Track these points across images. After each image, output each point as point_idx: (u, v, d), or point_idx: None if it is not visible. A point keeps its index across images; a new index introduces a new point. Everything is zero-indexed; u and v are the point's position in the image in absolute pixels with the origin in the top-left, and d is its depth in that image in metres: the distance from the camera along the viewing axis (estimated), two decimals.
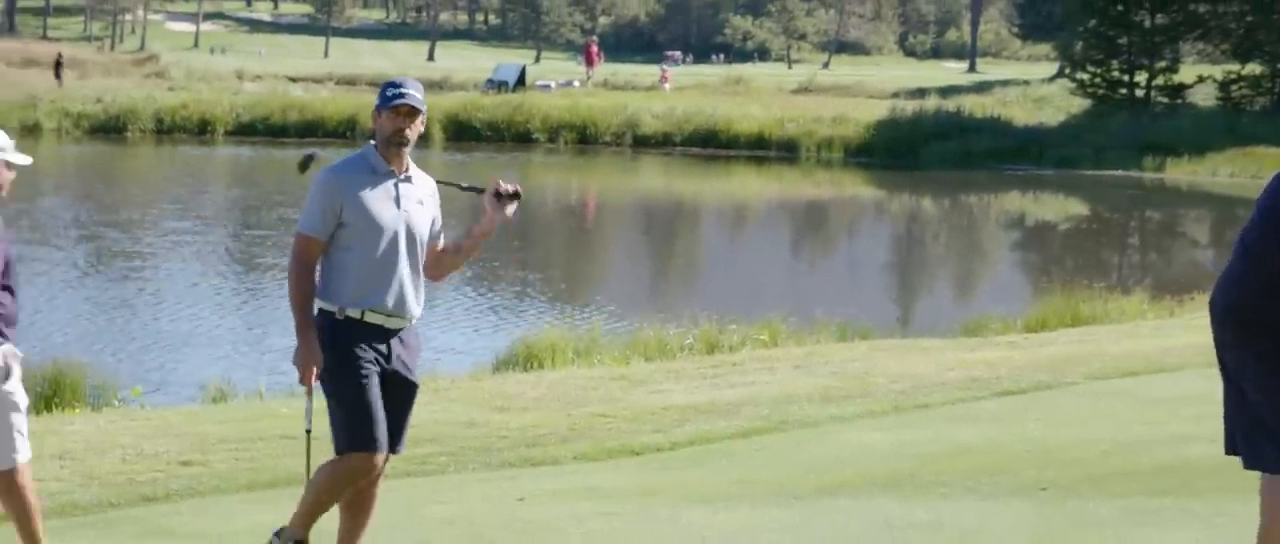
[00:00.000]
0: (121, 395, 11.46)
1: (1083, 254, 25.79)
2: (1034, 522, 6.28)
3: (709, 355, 13.19)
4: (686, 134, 43.39)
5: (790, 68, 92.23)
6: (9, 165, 5.71)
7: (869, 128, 42.53)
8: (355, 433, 5.23)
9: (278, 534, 5.52)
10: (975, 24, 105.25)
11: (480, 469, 8.23)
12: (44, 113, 41.83)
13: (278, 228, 24.84)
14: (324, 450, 8.70)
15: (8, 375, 5.60)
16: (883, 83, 66.10)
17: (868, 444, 8.56)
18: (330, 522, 5.57)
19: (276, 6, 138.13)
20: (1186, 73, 48.35)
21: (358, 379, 5.23)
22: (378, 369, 5.29)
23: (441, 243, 5.54)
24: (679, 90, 55.53)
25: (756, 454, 8.46)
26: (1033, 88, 59.55)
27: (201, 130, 42.45)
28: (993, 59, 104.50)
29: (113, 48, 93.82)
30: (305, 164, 6.21)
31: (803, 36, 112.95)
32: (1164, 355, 11.70)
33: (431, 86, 42.47)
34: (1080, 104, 48.33)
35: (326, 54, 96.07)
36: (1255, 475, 4.45)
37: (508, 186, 5.49)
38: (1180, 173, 37.50)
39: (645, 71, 68.85)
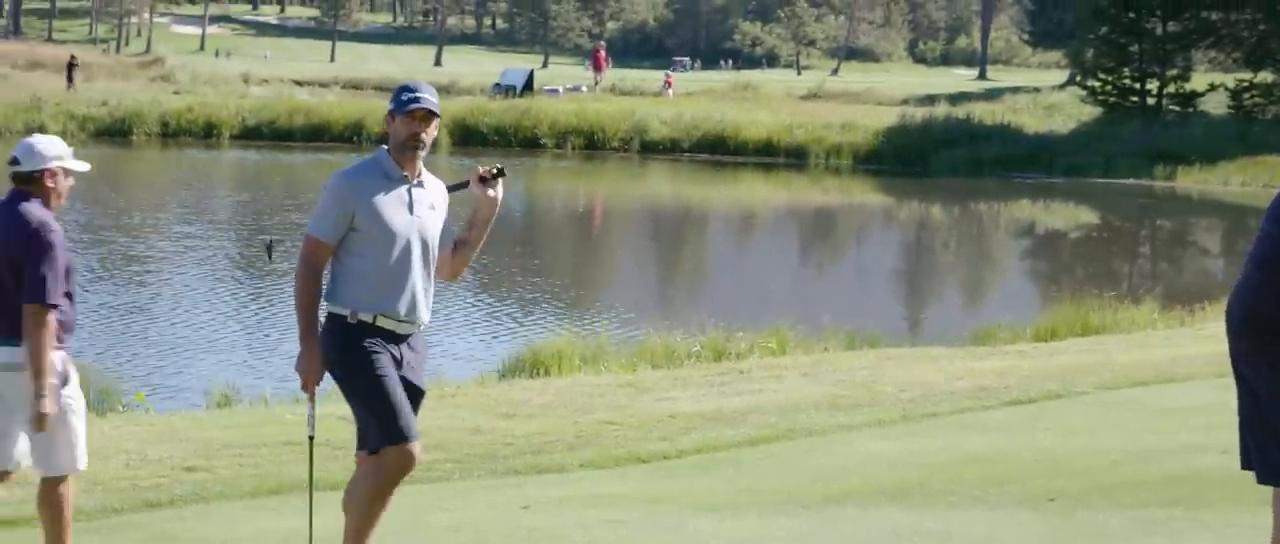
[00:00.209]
0: (126, 400, 11.43)
1: (1093, 263, 25.72)
2: (1043, 532, 6.25)
3: (716, 363, 13.15)
4: (694, 140, 43.34)
5: (799, 74, 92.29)
6: (67, 172, 5.72)
7: (878, 135, 42.47)
8: (387, 428, 5.19)
9: None
10: (986, 31, 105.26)
11: (486, 476, 8.20)
12: (49, 115, 41.83)
13: (284, 232, 24.84)
14: (327, 455, 8.67)
15: (66, 380, 5.64)
16: (892, 89, 66.08)
17: (876, 453, 8.53)
18: (335, 523, 5.53)
19: (283, 10, 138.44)
20: (1198, 81, 48.22)
21: (377, 375, 5.20)
22: (394, 364, 5.26)
23: (450, 244, 5.55)
24: (687, 96, 55.50)
25: (764, 462, 8.42)
26: (1043, 95, 59.52)
27: (207, 134, 42.46)
28: (1003, 66, 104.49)
29: (118, 51, 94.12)
30: (270, 251, 6.31)
31: (812, 42, 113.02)
32: (1174, 365, 11.65)
33: (438, 91, 42.38)
34: (1091, 112, 48.23)
35: (333, 58, 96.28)
36: (1267, 486, 4.41)
37: (489, 169, 5.52)
38: (1191, 181, 37.41)
39: (653, 77, 68.84)
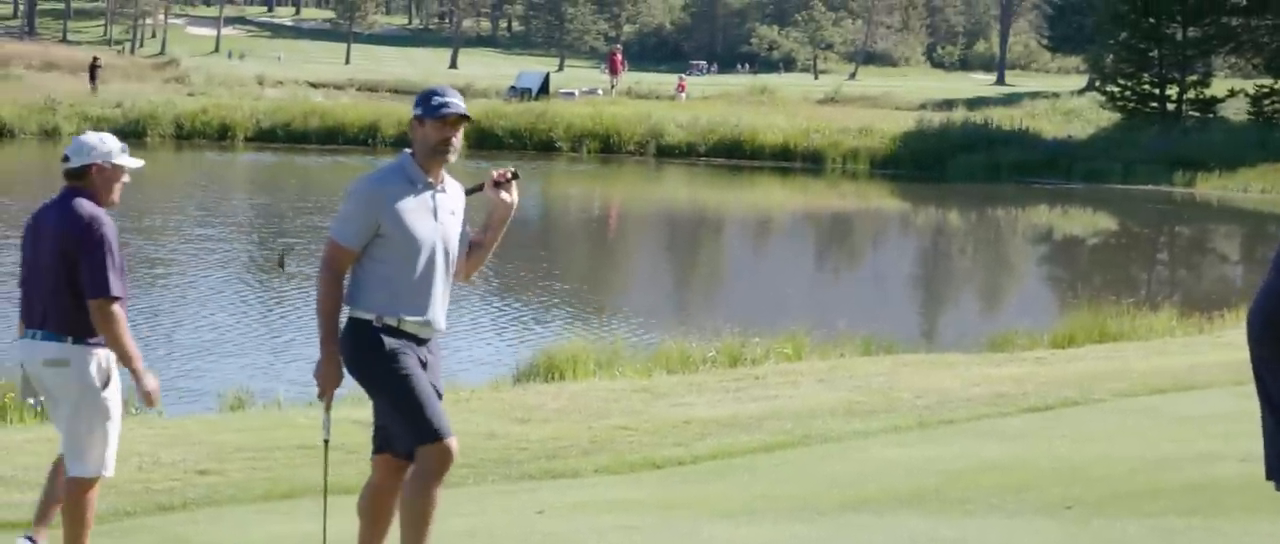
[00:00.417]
0: (138, 403, 11.42)
1: (1111, 269, 25.63)
2: (1060, 540, 6.22)
3: (732, 368, 13.12)
4: (711, 144, 43.33)
5: (816, 78, 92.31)
6: (117, 168, 5.74)
7: (895, 139, 42.41)
8: (422, 427, 5.17)
9: None
10: (1004, 36, 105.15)
11: (500, 481, 8.19)
12: (63, 116, 41.97)
13: (300, 235, 24.87)
14: (340, 460, 8.64)
15: (107, 381, 5.67)
16: (910, 94, 66.04)
17: (892, 460, 8.49)
18: (349, 527, 5.51)
19: (298, 11, 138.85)
20: (1218, 86, 48.07)
21: (405, 374, 5.18)
22: (420, 363, 5.25)
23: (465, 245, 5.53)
24: (703, 99, 55.49)
25: (779, 469, 8.39)
26: (1062, 100, 59.37)
27: (221, 136, 42.55)
28: (1021, 71, 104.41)
29: (133, 52, 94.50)
30: (283, 262, 6.29)
31: (829, 47, 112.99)
32: (1192, 373, 11.60)
33: None
34: (1110, 117, 48.10)
35: (348, 60, 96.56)
36: None
37: (504, 172, 5.49)
38: (1211, 188, 37.27)
39: (669, 80, 68.92)
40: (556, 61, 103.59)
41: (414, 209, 5.24)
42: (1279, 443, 4.35)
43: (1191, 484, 7.21)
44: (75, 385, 5.61)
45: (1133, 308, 16.75)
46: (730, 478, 8.17)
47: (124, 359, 5.58)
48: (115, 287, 5.53)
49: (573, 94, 56.73)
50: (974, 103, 58.58)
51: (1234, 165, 37.98)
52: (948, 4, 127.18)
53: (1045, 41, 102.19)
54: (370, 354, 5.19)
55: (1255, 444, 4.52)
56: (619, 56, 65.86)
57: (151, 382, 5.64)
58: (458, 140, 5.30)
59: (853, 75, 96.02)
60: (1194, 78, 47.24)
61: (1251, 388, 4.47)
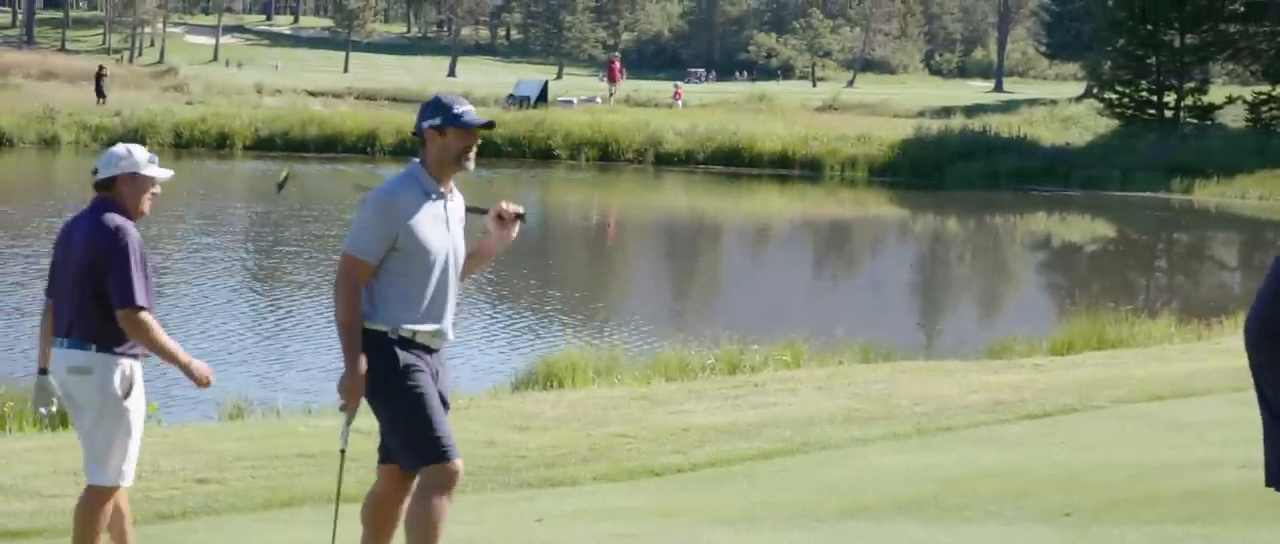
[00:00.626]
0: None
1: (1109, 276, 25.64)
2: None
3: (731, 376, 13.13)
4: (709, 152, 43.37)
5: (815, 86, 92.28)
6: (143, 179, 5.80)
7: (894, 147, 42.46)
8: (431, 446, 5.16)
9: None
10: (1002, 43, 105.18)
11: (499, 489, 8.19)
12: (62, 125, 42.00)
13: (299, 244, 24.89)
14: (353, 470, 8.64)
15: (129, 391, 5.72)
16: (908, 101, 66.07)
17: (890, 467, 8.50)
18: (354, 534, 5.51)
19: (296, 20, 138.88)
20: (1216, 93, 48.14)
21: (420, 392, 5.16)
22: (432, 379, 5.23)
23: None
24: (702, 107, 55.54)
25: (778, 476, 8.40)
26: (1060, 107, 59.44)
27: (220, 144, 42.58)
28: (1019, 78, 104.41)
29: (132, 61, 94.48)
30: (282, 184, 6.25)
31: (827, 54, 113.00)
32: (1191, 380, 11.60)
33: None
34: (1108, 124, 48.16)
35: (346, 68, 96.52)
36: None
37: (511, 208, 5.48)
38: (1209, 194, 37.31)
39: (668, 88, 68.92)
40: (555, 70, 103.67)
41: (428, 221, 5.21)
42: (1279, 449, 4.37)
43: (1190, 491, 7.21)
44: (97, 394, 5.68)
45: (1131, 315, 16.77)
46: (729, 485, 8.17)
47: (168, 359, 5.68)
48: (140, 296, 5.60)
49: (571, 102, 56.77)
50: (972, 110, 58.62)
51: (1232, 172, 38.04)
52: (945, 11, 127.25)
53: (1043, 49, 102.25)
54: (387, 369, 5.14)
55: (1254, 451, 4.53)
56: (617, 64, 65.92)
57: (201, 367, 5.76)
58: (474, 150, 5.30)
59: (851, 83, 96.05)
60: (1192, 84, 47.32)
61: (1251, 395, 4.49)
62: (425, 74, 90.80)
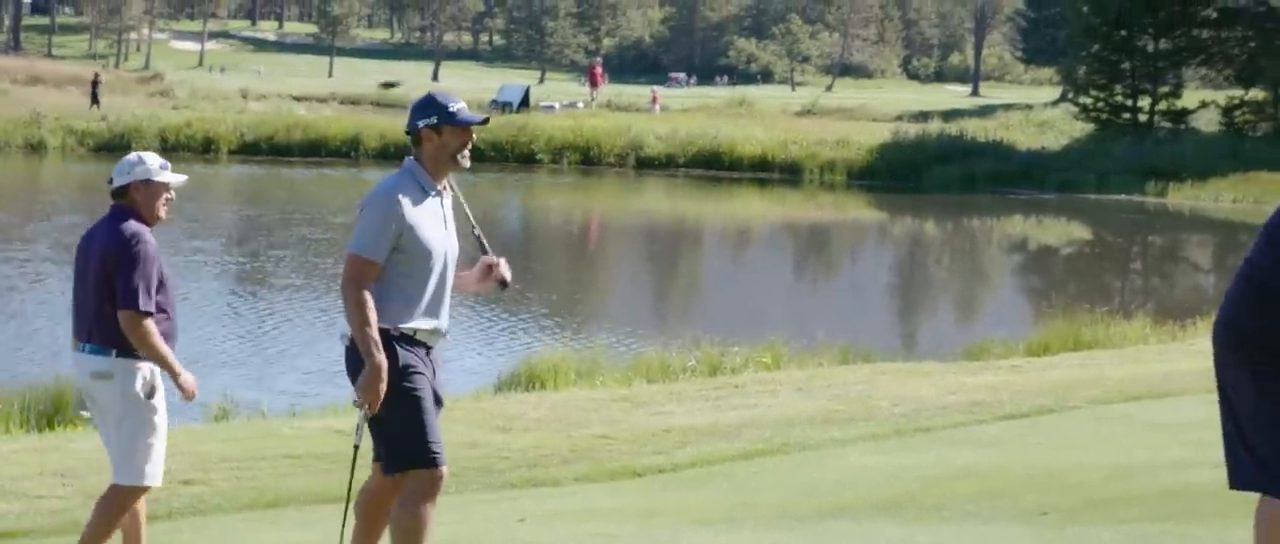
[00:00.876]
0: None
1: (1085, 278, 25.78)
2: None
3: (711, 377, 13.17)
4: (690, 156, 43.45)
5: (794, 90, 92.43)
6: (157, 185, 5.91)
7: (872, 151, 42.58)
8: (422, 451, 5.16)
9: None
10: (979, 48, 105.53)
11: (482, 490, 8.23)
12: (49, 130, 41.92)
13: (284, 248, 24.90)
14: (325, 471, 8.69)
15: (152, 392, 5.82)
16: (886, 106, 66.20)
17: (869, 467, 8.55)
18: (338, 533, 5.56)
19: (281, 26, 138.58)
20: (1189, 98, 48.42)
21: (418, 396, 5.17)
22: (427, 380, 5.24)
23: None
24: (682, 112, 55.60)
25: (758, 476, 8.45)
26: (1036, 112, 59.64)
27: (206, 149, 42.52)
28: (996, 83, 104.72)
29: (117, 66, 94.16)
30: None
31: (806, 59, 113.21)
32: (1166, 380, 11.69)
33: None
34: (1083, 128, 48.38)
35: (331, 73, 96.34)
36: (1238, 491, 4.47)
37: (502, 275, 5.54)
38: (1183, 198, 37.51)
39: (649, 93, 68.92)
40: (537, 75, 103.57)
41: (428, 219, 5.24)
42: (1237, 452, 4.45)
43: (1166, 490, 7.26)
44: (119, 398, 5.78)
45: (1107, 316, 16.88)
46: (710, 486, 8.21)
47: (161, 365, 5.76)
48: (143, 302, 5.69)
49: (553, 107, 56.77)
50: (949, 114, 58.76)
51: (1205, 175, 38.26)
52: (923, 17, 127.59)
53: (1019, 54, 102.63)
54: (389, 369, 5.11)
55: None
56: (599, 69, 65.89)
57: (188, 379, 5.84)
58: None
59: (830, 87, 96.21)
60: (1166, 89, 47.60)
61: None
62: (409, 79, 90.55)
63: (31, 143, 41.50)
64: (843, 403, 11.05)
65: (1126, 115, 47.23)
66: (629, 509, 7.53)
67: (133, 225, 5.80)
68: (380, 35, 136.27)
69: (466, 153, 5.33)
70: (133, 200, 5.87)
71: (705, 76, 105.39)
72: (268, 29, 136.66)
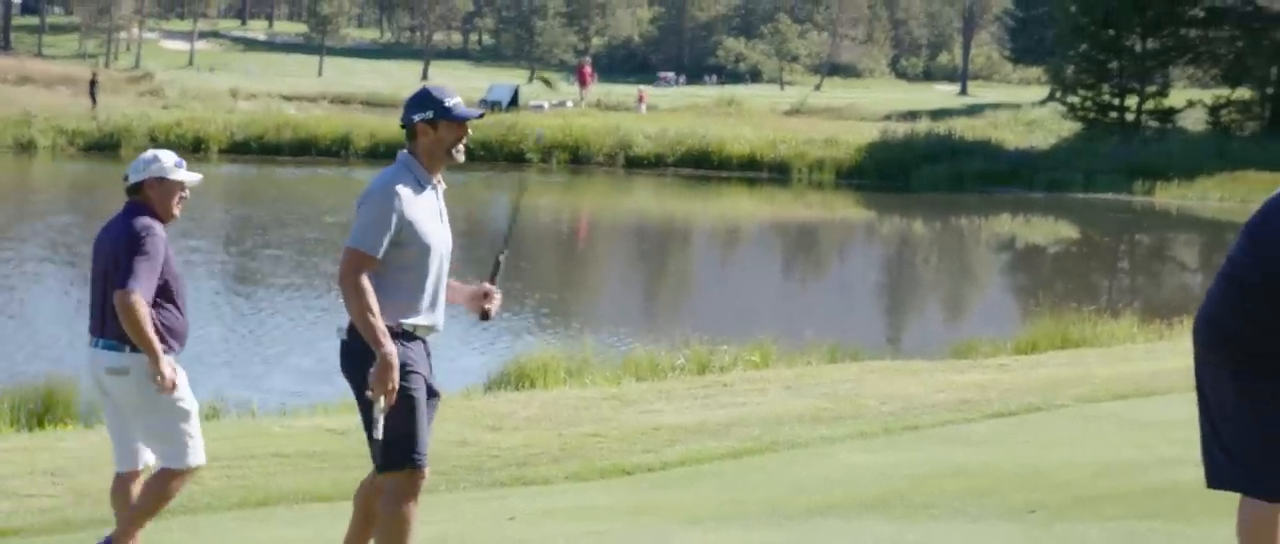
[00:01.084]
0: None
1: (1073, 277, 25.84)
2: None
3: (700, 376, 13.19)
4: (679, 155, 43.49)
5: (783, 90, 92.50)
6: (170, 182, 5.97)
7: (860, 150, 42.64)
8: (409, 451, 5.16)
9: None
10: (967, 47, 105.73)
11: (472, 488, 8.24)
12: (39, 130, 41.87)
13: (276, 246, 24.88)
14: (314, 469, 8.69)
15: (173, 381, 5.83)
16: (874, 105, 66.30)
17: (858, 465, 8.57)
18: (337, 531, 5.58)
19: (271, 25, 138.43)
20: (1176, 97, 48.56)
21: (413, 396, 5.16)
22: (422, 377, 5.23)
23: None
24: (671, 111, 55.64)
25: (747, 475, 8.47)
26: (1024, 111, 59.77)
27: (196, 148, 42.45)
28: (984, 82, 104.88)
29: (107, 66, 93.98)
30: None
31: (795, 59, 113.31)
32: (1154, 379, 11.71)
33: None
34: (1071, 127, 48.49)
35: (321, 73, 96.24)
36: (1215, 490, 4.51)
37: (492, 308, 5.60)
38: (1170, 197, 37.61)
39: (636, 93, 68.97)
40: (527, 74, 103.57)
41: (425, 214, 5.23)
42: (1213, 451, 4.49)
43: (1153, 488, 7.28)
44: (136, 394, 5.83)
45: (1094, 315, 16.92)
46: (699, 484, 8.22)
47: (144, 348, 5.75)
48: (138, 284, 5.71)
49: (542, 106, 56.78)
50: (938, 114, 58.87)
51: (1192, 174, 38.36)
52: (911, 16, 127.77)
53: (1007, 53, 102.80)
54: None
55: None
56: (588, 69, 65.95)
57: (166, 370, 5.81)
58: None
59: (818, 87, 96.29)
60: (1153, 88, 47.73)
61: None
62: (398, 78, 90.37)
63: (22, 142, 41.46)
64: (831, 401, 11.07)
65: (1114, 114, 47.35)
66: (618, 507, 7.55)
67: (145, 220, 5.87)
68: (370, 35, 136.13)
69: (461, 148, 5.33)
70: (147, 197, 5.94)
71: (694, 76, 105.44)
72: (258, 28, 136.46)
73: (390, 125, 42.28)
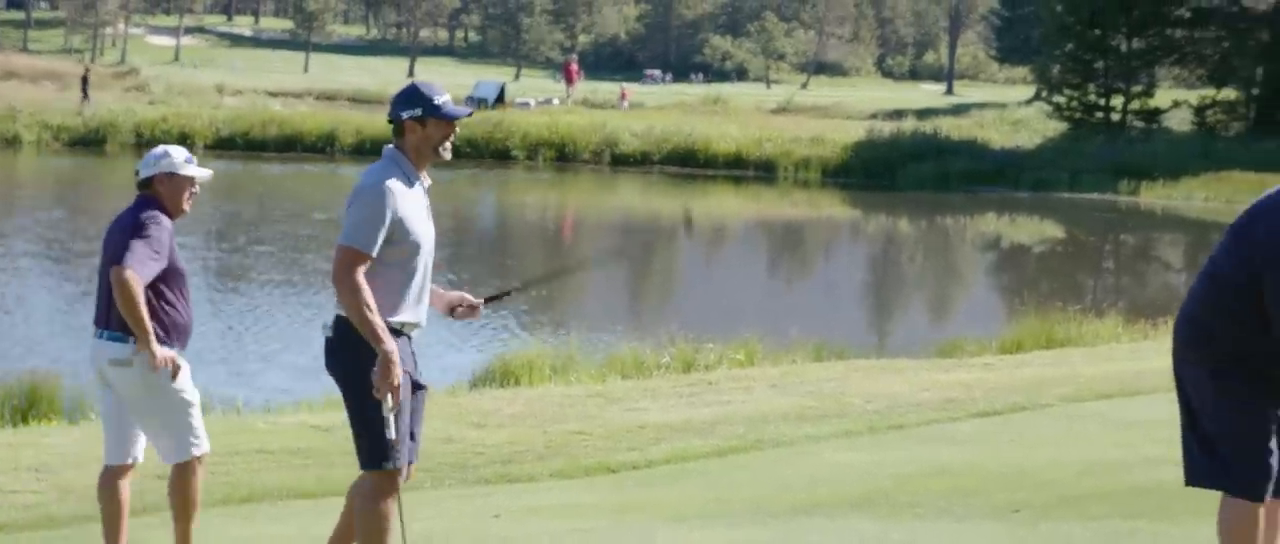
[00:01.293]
0: (97, 408, 11.41)
1: (1058, 277, 25.91)
2: (1008, 543, 6.30)
3: (685, 374, 13.20)
4: (665, 153, 43.49)
5: (769, 88, 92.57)
6: (180, 178, 5.98)
7: (846, 149, 42.69)
8: (388, 451, 5.15)
9: None
10: (953, 46, 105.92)
11: (457, 485, 8.24)
12: (24, 125, 41.73)
13: (262, 243, 24.83)
14: (299, 467, 8.68)
15: (175, 373, 5.86)
16: (860, 104, 66.38)
17: (843, 464, 8.58)
18: (324, 529, 5.57)
19: (257, 21, 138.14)
20: (1162, 97, 48.72)
21: (399, 398, 5.15)
22: (407, 374, 5.20)
23: None
24: (658, 109, 55.64)
25: (732, 473, 8.48)
26: (1009, 110, 59.91)
27: (181, 144, 42.14)
28: (970, 81, 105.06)
29: (93, 61, 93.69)
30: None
31: (781, 57, 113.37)
32: (1138, 378, 11.75)
33: None
34: (1056, 127, 48.61)
35: (306, 69, 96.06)
36: (1193, 487, 4.52)
37: (470, 316, 5.68)
38: (1155, 196, 37.72)
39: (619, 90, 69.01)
40: (513, 71, 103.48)
41: (415, 210, 5.19)
42: (1192, 449, 4.50)
43: (1137, 488, 7.30)
44: (140, 386, 5.84)
45: (1079, 314, 16.97)
46: (684, 482, 8.23)
47: (136, 326, 5.72)
48: (135, 262, 5.68)
49: (528, 103, 56.76)
50: (923, 113, 58.96)
51: (1177, 174, 38.48)
52: (897, 15, 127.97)
53: (993, 53, 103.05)
54: (371, 361, 5.04)
55: None
56: (574, 66, 65.98)
57: (160, 352, 5.77)
58: None
59: (804, 85, 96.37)
60: (1138, 88, 47.88)
61: None
62: (384, 75, 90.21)
63: (7, 138, 41.31)
64: (816, 400, 11.09)
65: (1099, 114, 47.49)
66: (604, 505, 7.56)
67: (152, 211, 5.88)
68: (356, 31, 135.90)
69: (449, 146, 5.30)
70: (157, 192, 5.95)
71: (680, 74, 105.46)
72: (243, 24, 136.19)
73: (376, 122, 42.29)
